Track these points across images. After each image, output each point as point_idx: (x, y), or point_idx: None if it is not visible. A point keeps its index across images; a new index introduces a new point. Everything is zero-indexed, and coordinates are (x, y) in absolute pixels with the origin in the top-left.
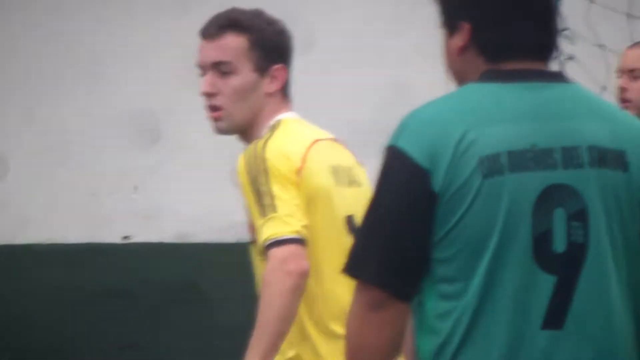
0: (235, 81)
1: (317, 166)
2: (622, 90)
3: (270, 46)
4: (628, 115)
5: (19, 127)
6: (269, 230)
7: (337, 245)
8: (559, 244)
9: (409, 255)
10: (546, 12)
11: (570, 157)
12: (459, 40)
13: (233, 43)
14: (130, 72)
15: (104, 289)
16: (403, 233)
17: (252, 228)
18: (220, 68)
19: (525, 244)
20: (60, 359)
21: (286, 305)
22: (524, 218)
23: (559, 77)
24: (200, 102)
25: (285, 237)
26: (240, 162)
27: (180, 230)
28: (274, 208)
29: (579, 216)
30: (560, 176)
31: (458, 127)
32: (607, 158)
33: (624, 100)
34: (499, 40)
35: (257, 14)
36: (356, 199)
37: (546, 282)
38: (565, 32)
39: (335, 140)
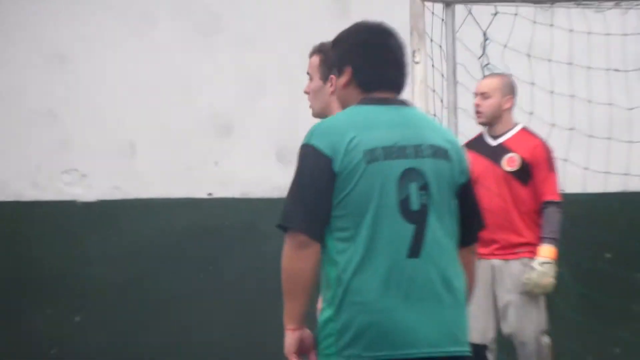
0: (311, 85)
1: None
2: (477, 106)
3: (331, 62)
4: (445, 127)
5: (144, 121)
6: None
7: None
8: (415, 205)
9: (320, 212)
10: (401, 61)
11: (417, 151)
12: (344, 78)
13: (313, 61)
14: (212, 85)
15: (196, 228)
16: (317, 197)
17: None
18: (309, 76)
19: (394, 205)
20: (169, 272)
21: None
22: (392, 188)
23: (406, 103)
24: (257, 106)
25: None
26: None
27: (244, 190)
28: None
29: (424, 188)
30: (412, 163)
31: (349, 132)
32: (438, 152)
33: (478, 113)
34: (371, 79)
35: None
36: None
37: (409, 229)
38: (489, 66)
39: None
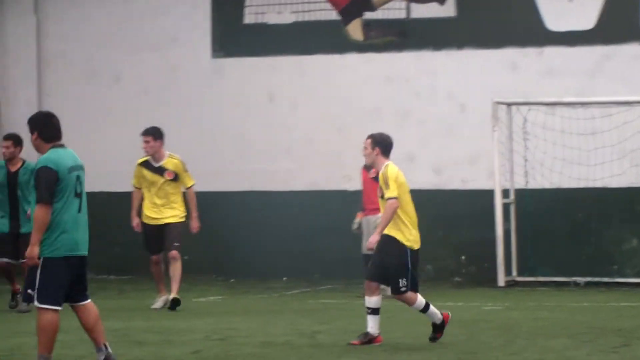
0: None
1: (401, 177)
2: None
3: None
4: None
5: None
6: (391, 194)
7: (408, 199)
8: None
9: (52, 192)
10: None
11: (78, 168)
12: (34, 137)
13: (367, 143)
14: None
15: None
16: (53, 185)
17: (380, 192)
18: None
19: (74, 192)
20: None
21: (392, 215)
22: (73, 184)
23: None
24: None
25: (395, 197)
26: (381, 172)
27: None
28: (391, 187)
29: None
30: (79, 173)
31: (67, 161)
32: (82, 167)
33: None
34: (50, 136)
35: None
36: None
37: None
38: (526, 133)
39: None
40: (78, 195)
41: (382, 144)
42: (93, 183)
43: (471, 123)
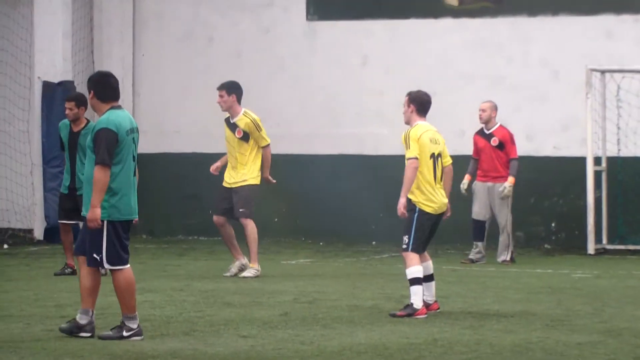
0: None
1: (424, 138)
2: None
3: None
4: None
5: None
6: (410, 154)
7: (425, 161)
8: (134, 154)
9: (112, 154)
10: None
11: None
12: (91, 96)
13: (405, 101)
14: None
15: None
16: (113, 148)
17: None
18: None
19: (131, 154)
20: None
21: (414, 175)
22: (130, 147)
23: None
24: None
25: (414, 157)
26: (405, 134)
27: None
28: (412, 148)
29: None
30: (135, 136)
31: (125, 123)
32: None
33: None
34: (106, 95)
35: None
36: (435, 148)
37: (134, 164)
38: (619, 101)
39: (435, 130)
40: (134, 158)
41: (417, 101)
42: (185, 144)
43: (564, 90)
